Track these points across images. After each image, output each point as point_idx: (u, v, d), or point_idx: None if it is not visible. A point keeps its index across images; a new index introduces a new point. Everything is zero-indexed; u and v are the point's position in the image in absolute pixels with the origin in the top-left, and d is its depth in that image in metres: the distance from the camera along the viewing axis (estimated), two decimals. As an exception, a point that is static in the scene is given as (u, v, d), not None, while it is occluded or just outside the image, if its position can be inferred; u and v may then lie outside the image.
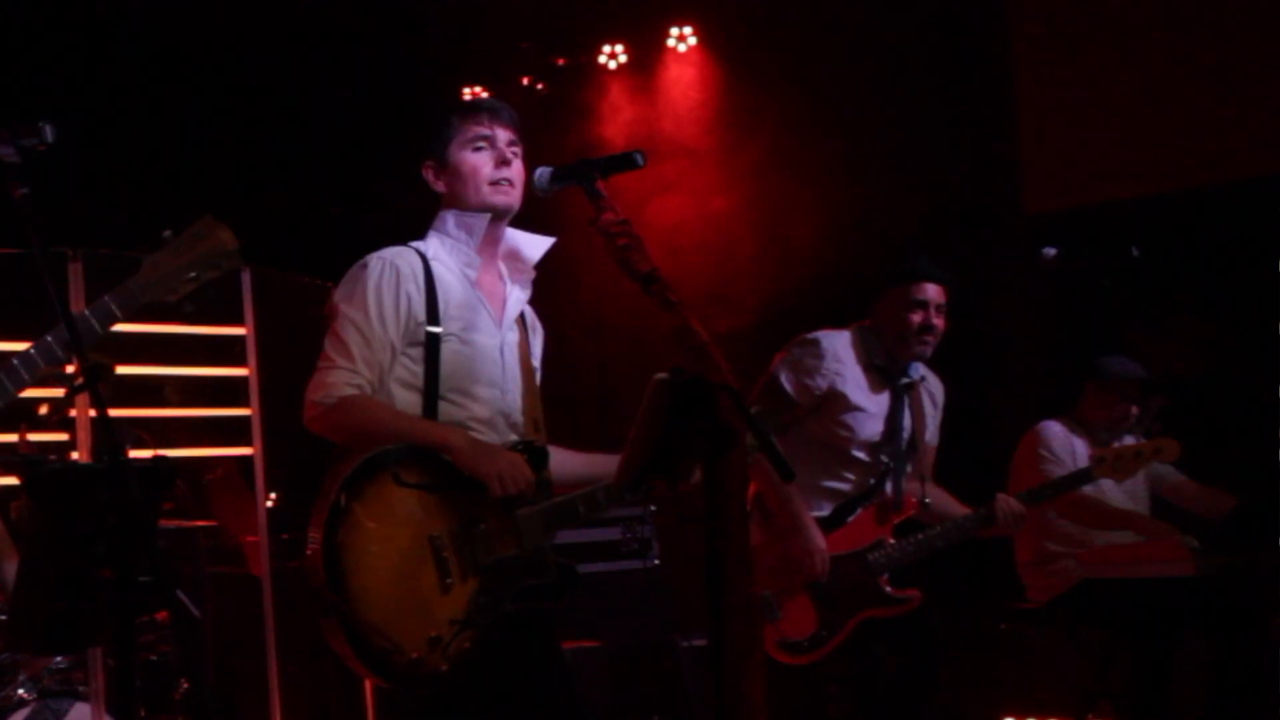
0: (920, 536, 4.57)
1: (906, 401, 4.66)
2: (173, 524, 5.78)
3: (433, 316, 3.30)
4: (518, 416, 3.41)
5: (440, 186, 3.45)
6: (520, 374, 3.44)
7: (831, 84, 7.42)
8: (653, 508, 6.41)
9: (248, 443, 6.00)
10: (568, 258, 3.78)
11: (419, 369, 3.30)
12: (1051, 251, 5.11)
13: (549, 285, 3.65)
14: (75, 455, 5.24)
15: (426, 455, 3.20)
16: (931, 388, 4.81)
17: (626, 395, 4.50)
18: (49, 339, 2.95)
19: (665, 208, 7.55)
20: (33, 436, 5.01)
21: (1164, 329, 6.06)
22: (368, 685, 6.19)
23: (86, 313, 2.96)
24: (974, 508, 4.66)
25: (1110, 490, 5.42)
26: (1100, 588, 5.18)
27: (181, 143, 7.22)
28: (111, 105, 6.88)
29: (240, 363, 5.96)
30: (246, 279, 5.93)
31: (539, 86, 8.24)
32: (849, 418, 4.56)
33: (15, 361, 2.92)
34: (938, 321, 4.65)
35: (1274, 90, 6.44)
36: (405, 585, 3.11)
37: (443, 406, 3.30)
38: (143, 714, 5.21)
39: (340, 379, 3.24)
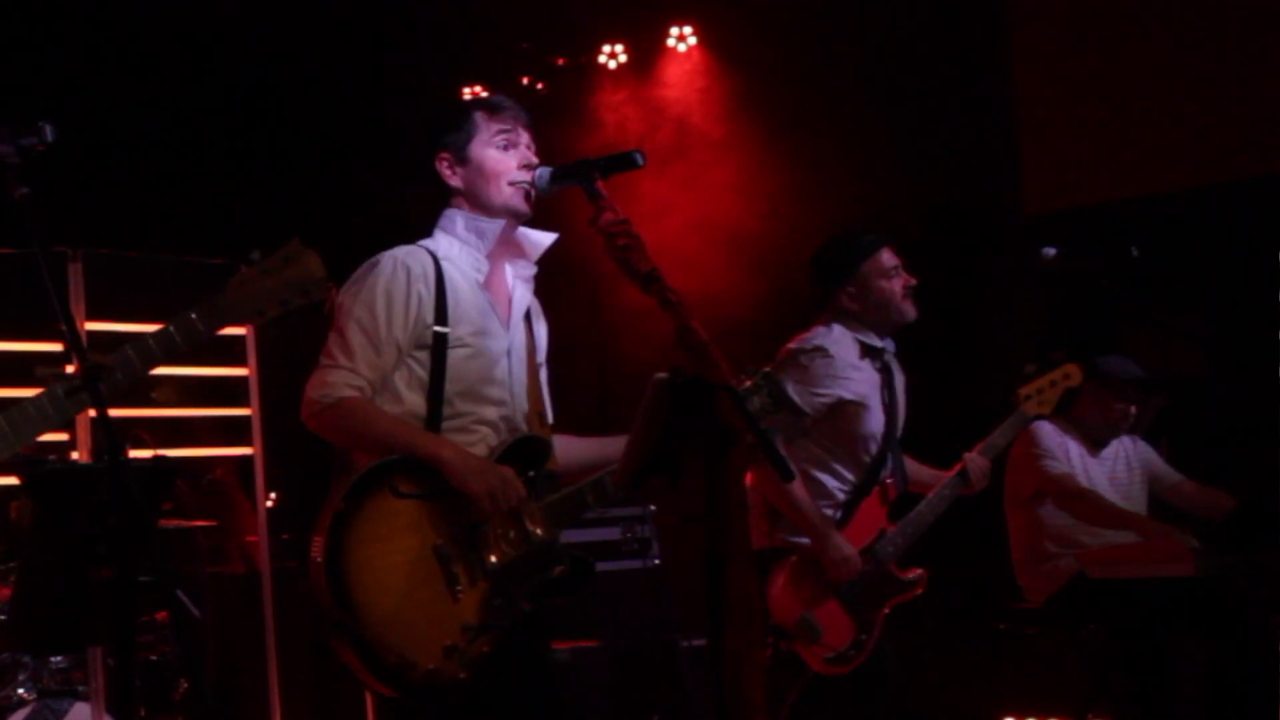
0: (912, 514, 4.57)
1: (892, 379, 4.64)
2: (173, 524, 5.78)
3: (441, 318, 3.27)
4: (522, 417, 3.39)
5: (455, 181, 3.39)
6: (525, 373, 3.43)
7: (831, 84, 7.43)
8: (653, 508, 6.41)
9: (248, 443, 6.00)
10: (567, 256, 3.77)
11: (425, 371, 3.27)
12: (1051, 251, 5.10)
13: (549, 284, 3.65)
14: (75, 455, 5.24)
15: (420, 464, 3.17)
16: (897, 365, 4.76)
17: (627, 391, 4.50)
18: (170, 329, 2.90)
19: (665, 207, 7.55)
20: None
21: (1164, 329, 6.06)
22: (368, 685, 6.19)
23: (170, 328, 2.89)
24: (946, 471, 4.65)
25: (1106, 490, 5.42)
26: (1100, 587, 5.18)
27: (181, 143, 7.22)
28: (111, 105, 6.88)
29: (240, 363, 5.97)
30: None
31: (539, 86, 8.24)
32: (859, 418, 4.52)
33: (130, 352, 2.87)
34: (913, 280, 4.63)
35: (1274, 90, 6.44)
36: (414, 598, 3.09)
37: (448, 410, 3.27)
38: (143, 714, 5.21)
39: (340, 379, 3.21)
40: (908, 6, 7.29)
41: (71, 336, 2.66)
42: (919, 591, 4.53)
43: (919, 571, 4.53)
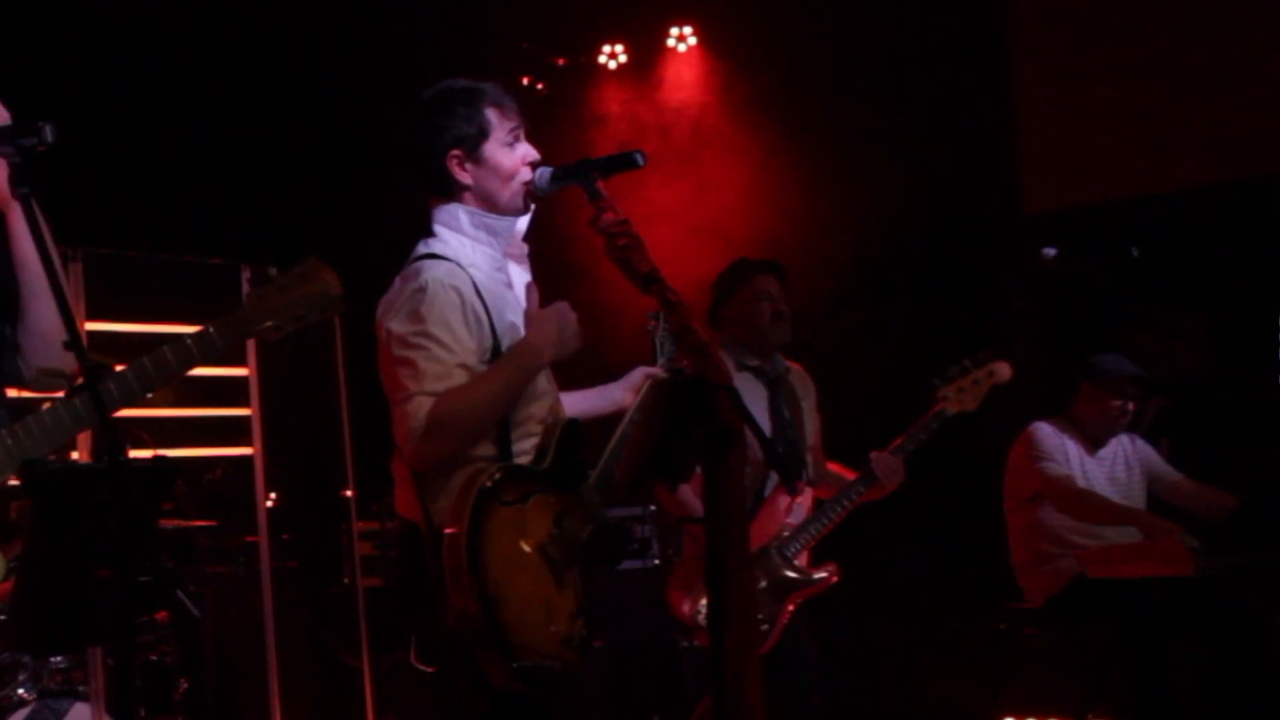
0: (817, 511, 4.67)
1: (781, 392, 4.77)
2: (173, 524, 5.78)
3: (495, 333, 3.26)
4: (553, 392, 3.42)
5: (465, 179, 3.34)
6: None
7: (831, 84, 7.43)
8: (653, 508, 6.42)
9: (248, 443, 6.01)
10: (567, 254, 3.78)
11: None
12: (1051, 251, 5.10)
13: (549, 282, 3.64)
14: (75, 455, 5.24)
15: (514, 470, 3.19)
16: (799, 379, 4.92)
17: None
18: (188, 342, 2.90)
19: (664, 208, 7.55)
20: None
21: (1164, 329, 6.06)
22: (367, 685, 6.19)
23: (189, 341, 2.87)
24: (857, 473, 4.72)
25: (1105, 489, 5.42)
26: (1100, 587, 5.18)
27: (181, 143, 7.22)
28: (111, 105, 6.88)
29: (240, 363, 5.97)
30: (245, 279, 5.94)
31: (539, 86, 8.25)
32: None
33: (146, 363, 2.88)
34: (784, 308, 4.81)
35: (1274, 90, 6.44)
36: (540, 599, 3.16)
37: (515, 421, 3.27)
38: (143, 714, 5.21)
39: (415, 404, 3.16)
40: (908, 7, 7.29)
41: (71, 336, 2.66)
42: (828, 584, 4.62)
43: (830, 566, 4.63)
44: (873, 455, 4.68)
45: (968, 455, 5.32)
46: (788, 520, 4.66)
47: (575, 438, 3.33)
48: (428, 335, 3.17)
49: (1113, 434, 5.50)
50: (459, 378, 3.16)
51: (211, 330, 2.88)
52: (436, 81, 3.46)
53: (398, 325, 3.21)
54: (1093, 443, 5.49)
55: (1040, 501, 5.41)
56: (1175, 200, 6.68)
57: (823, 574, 4.63)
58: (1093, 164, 6.97)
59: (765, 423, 4.70)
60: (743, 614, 2.61)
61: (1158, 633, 5.14)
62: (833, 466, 4.88)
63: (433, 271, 3.23)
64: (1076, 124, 7.03)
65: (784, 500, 4.66)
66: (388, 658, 6.31)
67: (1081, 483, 5.39)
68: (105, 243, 5.57)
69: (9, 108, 2.85)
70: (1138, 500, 5.51)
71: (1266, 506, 5.09)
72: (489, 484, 3.12)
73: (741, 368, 4.76)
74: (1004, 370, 4.82)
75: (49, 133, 2.66)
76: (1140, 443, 5.59)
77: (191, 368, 2.87)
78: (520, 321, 3.34)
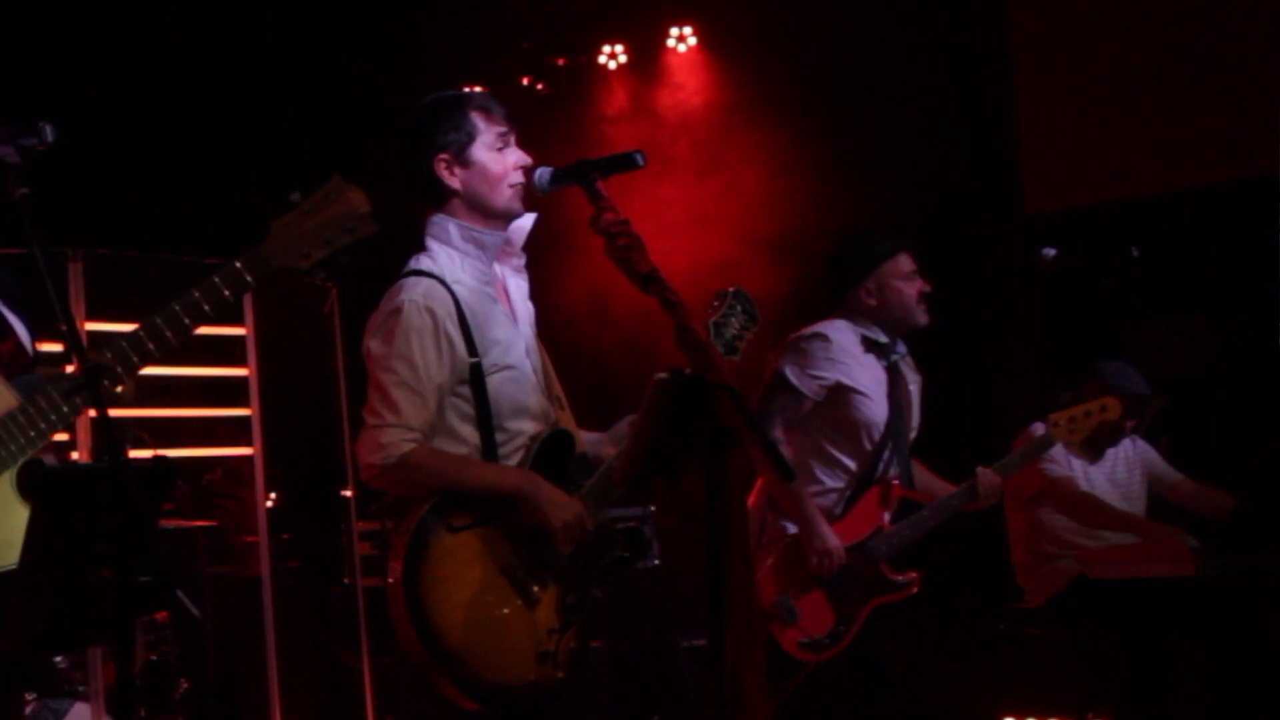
0: (913, 517, 4.60)
1: (897, 379, 4.67)
2: (173, 524, 5.78)
3: (471, 349, 3.26)
4: (549, 405, 3.42)
5: (454, 183, 3.35)
6: (542, 365, 3.45)
7: (831, 84, 7.43)
8: (653, 508, 6.42)
9: (248, 443, 6.00)
10: (567, 254, 3.78)
11: (470, 404, 3.27)
12: (1051, 251, 5.10)
13: (548, 280, 3.64)
14: (75, 455, 5.24)
15: (468, 496, 3.19)
16: (910, 366, 4.82)
17: (626, 391, 4.50)
18: (216, 280, 2.87)
19: (665, 207, 7.55)
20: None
21: (1164, 329, 6.06)
22: (367, 685, 6.19)
23: (216, 280, 2.86)
24: (956, 484, 4.67)
25: (1106, 490, 5.42)
26: (1100, 588, 5.17)
27: (181, 143, 7.22)
28: (111, 105, 6.88)
29: (240, 363, 5.97)
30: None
31: (539, 86, 8.25)
32: (859, 405, 4.56)
33: (176, 307, 2.88)
34: (928, 286, 4.70)
35: (1273, 90, 6.44)
36: (498, 622, 3.15)
37: (501, 434, 3.29)
38: (143, 714, 5.21)
39: (394, 437, 3.17)
40: (908, 7, 7.29)
41: (71, 336, 2.66)
42: (911, 592, 4.56)
43: (913, 574, 4.56)
44: (980, 471, 4.63)
45: (968, 455, 5.30)
46: (884, 516, 4.57)
47: (560, 449, 3.32)
48: (399, 358, 3.20)
49: (1111, 444, 5.46)
50: (431, 405, 3.20)
51: (239, 265, 2.86)
52: (438, 82, 3.47)
53: (374, 345, 3.25)
54: (1092, 446, 5.46)
55: (1041, 502, 5.40)
56: (1175, 200, 6.69)
57: (905, 579, 4.55)
58: (1093, 164, 6.98)
59: (883, 408, 4.58)
60: (743, 614, 2.61)
61: (1158, 633, 5.14)
62: (917, 464, 4.77)
63: (410, 293, 3.25)
64: (1076, 124, 7.04)
65: (886, 492, 4.57)
66: (387, 658, 6.31)
67: (1083, 484, 5.38)
68: (105, 243, 5.56)
69: (9, 108, 2.84)
70: (1139, 500, 5.50)
71: (1266, 506, 5.09)
72: (431, 512, 3.13)
73: (868, 345, 4.62)
74: (1116, 407, 4.85)
75: (49, 133, 2.66)
76: (1140, 443, 5.58)
77: (223, 307, 2.85)
78: (509, 336, 3.33)
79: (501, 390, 3.28)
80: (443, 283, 3.28)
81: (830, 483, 4.59)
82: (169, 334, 2.85)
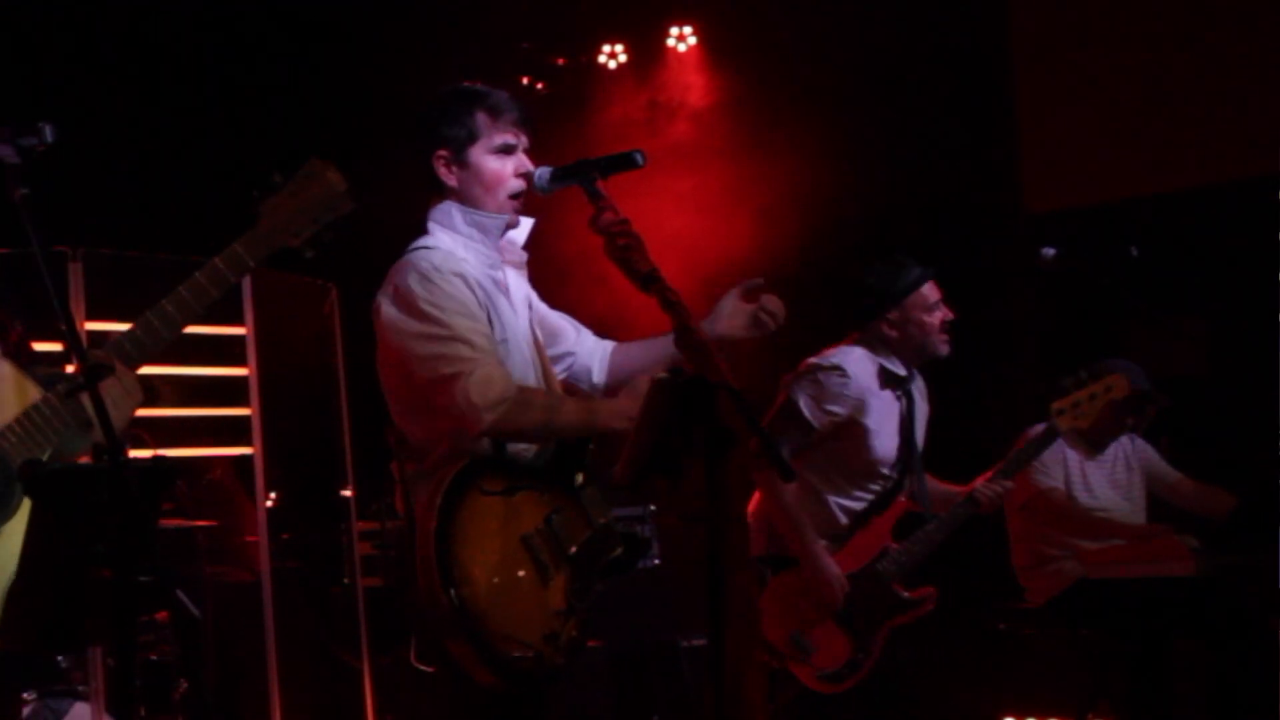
0: (919, 534, 4.56)
1: (911, 410, 4.65)
2: (173, 524, 5.78)
3: (492, 324, 3.27)
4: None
5: (451, 180, 3.35)
6: (542, 360, 3.45)
7: (831, 84, 7.43)
8: (653, 508, 6.41)
9: (248, 443, 6.00)
10: (566, 252, 3.77)
11: None
12: (1051, 251, 5.09)
13: (549, 279, 3.64)
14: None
15: (500, 462, 3.19)
16: (922, 396, 4.80)
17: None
18: (217, 262, 2.92)
19: (664, 207, 7.55)
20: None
21: (1164, 329, 6.06)
22: (367, 685, 6.19)
23: (218, 263, 2.91)
24: (961, 488, 4.64)
25: (1106, 491, 5.42)
26: (1100, 588, 5.18)
27: (181, 143, 7.22)
28: (111, 105, 6.88)
29: (240, 363, 5.96)
30: (246, 279, 5.93)
31: (539, 86, 8.25)
32: (867, 440, 4.54)
33: (184, 293, 2.91)
34: (951, 315, 4.65)
35: (1273, 90, 6.44)
36: (517, 588, 3.13)
37: None
38: (143, 714, 5.21)
39: (494, 370, 3.14)
40: (908, 7, 7.29)
41: (71, 336, 2.66)
42: (928, 609, 4.53)
43: (928, 590, 4.54)
44: (979, 485, 4.57)
45: (968, 455, 5.30)
46: (890, 540, 4.53)
47: (579, 443, 3.32)
48: (447, 301, 3.17)
49: (1114, 438, 5.47)
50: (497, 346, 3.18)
51: (238, 248, 2.91)
52: (438, 82, 3.46)
53: (417, 300, 3.18)
54: (1092, 445, 5.47)
55: (1031, 510, 5.40)
56: (1175, 200, 6.69)
57: (919, 596, 4.52)
58: (1093, 164, 6.97)
59: (893, 441, 4.56)
60: (743, 614, 2.61)
61: (1158, 633, 5.14)
62: (928, 477, 4.76)
63: (431, 259, 3.24)
64: (1076, 124, 7.03)
65: (894, 517, 4.54)
66: (387, 658, 6.31)
67: (1081, 486, 5.38)
68: (105, 243, 5.56)
69: (9, 108, 2.84)
70: (1138, 500, 5.50)
71: (1266, 506, 5.09)
72: (465, 473, 3.11)
73: (886, 379, 4.58)
74: (1121, 385, 4.58)
75: (49, 133, 2.66)
76: (1140, 443, 5.58)
77: (226, 288, 2.92)
78: (513, 321, 3.33)
79: (508, 365, 3.27)
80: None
81: (832, 512, 4.57)
82: (170, 322, 2.88)
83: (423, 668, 3.25)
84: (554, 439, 3.24)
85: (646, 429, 2.68)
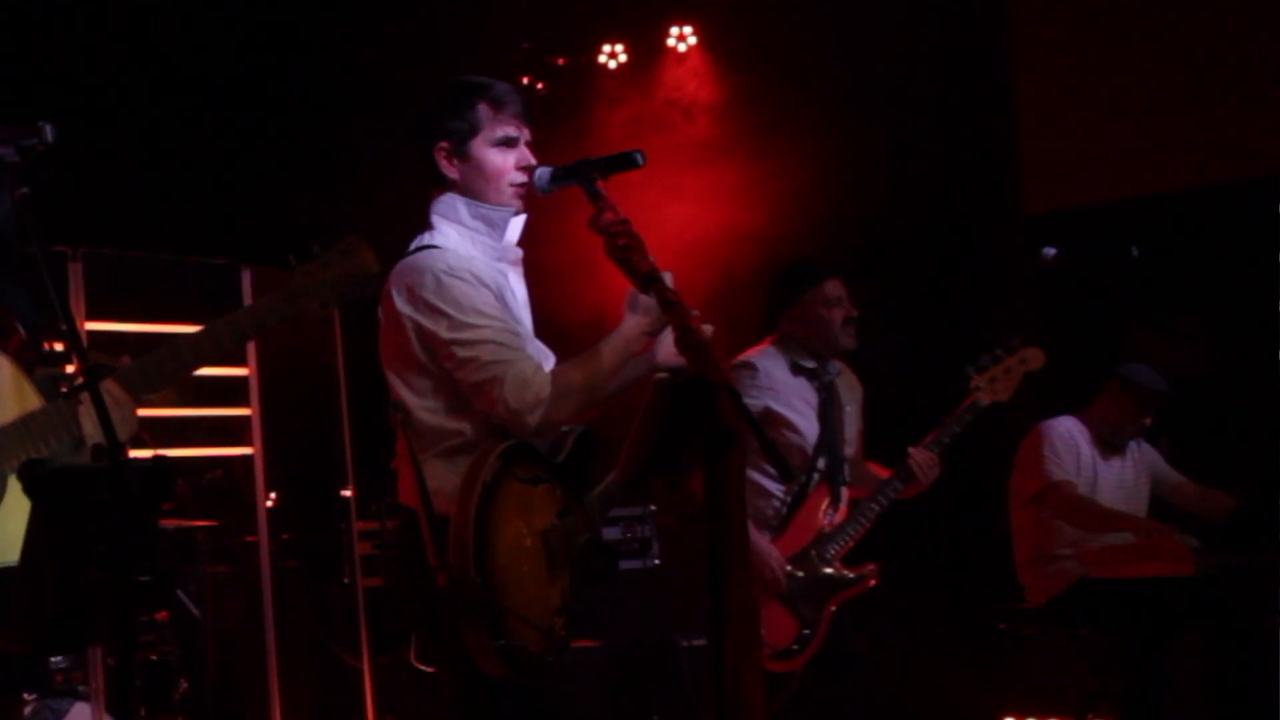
0: (854, 511, 4.68)
1: (831, 397, 4.77)
2: (173, 524, 5.78)
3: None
4: None
5: (452, 173, 3.32)
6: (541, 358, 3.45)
7: (831, 84, 7.42)
8: (653, 508, 6.42)
9: (248, 443, 6.00)
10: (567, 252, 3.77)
11: None
12: (1051, 251, 5.10)
13: (547, 280, 3.64)
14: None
15: (530, 449, 3.18)
16: (847, 381, 4.91)
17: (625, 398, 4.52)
18: (239, 318, 3.00)
19: (664, 207, 7.55)
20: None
21: (1164, 329, 6.06)
22: (367, 684, 6.19)
23: (240, 316, 3.03)
24: (890, 471, 4.70)
25: (1113, 492, 5.42)
26: (1100, 588, 5.18)
27: (181, 142, 7.22)
28: (111, 105, 6.88)
29: (240, 363, 5.97)
30: (246, 279, 5.94)
31: (539, 86, 8.24)
32: (787, 431, 4.67)
33: (203, 338, 2.95)
34: (854, 312, 4.80)
35: (1274, 90, 6.43)
36: (530, 576, 3.12)
37: None
38: (143, 714, 5.21)
39: (530, 369, 3.14)
40: (908, 7, 7.28)
41: (71, 336, 2.66)
42: (870, 585, 4.64)
43: (870, 567, 4.64)
44: (910, 451, 4.66)
45: (968, 454, 5.30)
46: (824, 522, 4.65)
47: (589, 447, 3.32)
48: (465, 300, 3.16)
49: (1129, 437, 5.49)
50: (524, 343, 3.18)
51: (262, 306, 2.94)
52: (438, 82, 3.45)
53: (432, 302, 3.17)
54: (1105, 445, 5.49)
55: (1040, 504, 5.41)
56: (1175, 200, 6.69)
57: (860, 573, 4.63)
58: (1093, 164, 6.97)
59: (813, 428, 4.71)
60: (743, 614, 2.61)
61: (1158, 633, 5.15)
62: (871, 466, 4.86)
63: (446, 260, 3.21)
64: (1076, 124, 7.03)
65: (822, 501, 4.66)
66: (387, 658, 6.31)
67: (1089, 484, 5.39)
68: (105, 243, 5.57)
69: (9, 108, 2.84)
70: (1141, 501, 5.51)
71: (1266, 506, 5.09)
72: (504, 456, 3.09)
73: (797, 370, 4.76)
74: (1037, 357, 4.79)
75: (49, 133, 2.66)
76: (1145, 445, 5.60)
77: (242, 341, 3.06)
78: (523, 318, 3.34)
79: None
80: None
81: (770, 492, 4.67)
82: (182, 363, 2.92)
83: (423, 668, 3.25)
84: (603, 405, 3.21)
85: (647, 429, 2.68)
